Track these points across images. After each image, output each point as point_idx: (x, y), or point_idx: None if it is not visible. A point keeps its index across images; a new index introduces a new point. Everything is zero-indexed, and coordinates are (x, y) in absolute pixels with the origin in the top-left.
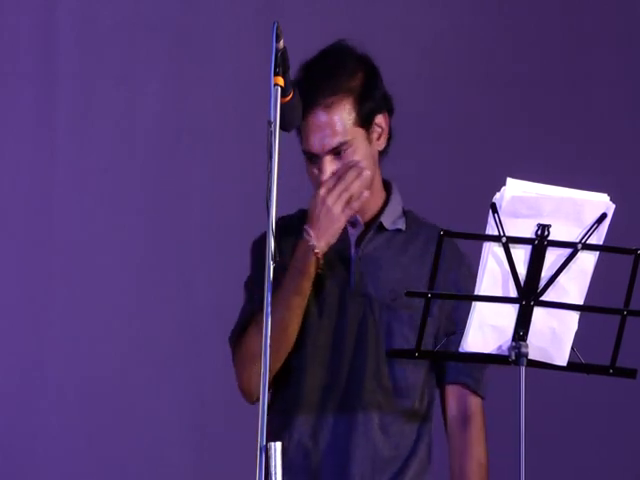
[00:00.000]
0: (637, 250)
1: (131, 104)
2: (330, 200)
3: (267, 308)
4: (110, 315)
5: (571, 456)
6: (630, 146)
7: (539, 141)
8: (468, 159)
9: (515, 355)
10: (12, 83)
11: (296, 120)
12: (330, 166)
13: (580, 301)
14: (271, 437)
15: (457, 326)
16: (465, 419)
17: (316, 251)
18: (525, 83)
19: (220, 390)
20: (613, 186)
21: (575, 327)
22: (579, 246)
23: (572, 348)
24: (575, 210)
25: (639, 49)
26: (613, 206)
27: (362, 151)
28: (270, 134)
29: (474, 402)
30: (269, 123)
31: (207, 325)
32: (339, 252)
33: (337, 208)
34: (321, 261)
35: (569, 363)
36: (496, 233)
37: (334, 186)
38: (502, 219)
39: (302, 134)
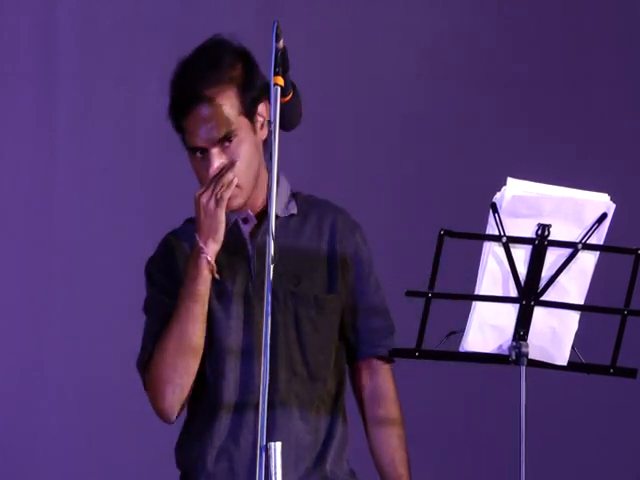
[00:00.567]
0: (637, 250)
1: (131, 104)
2: (204, 199)
3: (267, 307)
4: (110, 315)
5: (571, 456)
6: (630, 146)
7: (539, 141)
8: (468, 159)
9: (515, 355)
10: (12, 83)
11: (296, 120)
12: (218, 159)
13: (580, 301)
14: (194, 447)
15: (359, 300)
16: (380, 392)
17: (203, 255)
18: (525, 83)
19: None
20: (613, 186)
21: (575, 327)
22: (579, 246)
23: (572, 348)
24: (575, 210)
25: (639, 49)
26: (613, 206)
27: (248, 141)
28: (270, 134)
29: (387, 371)
30: (269, 123)
31: None
32: (236, 251)
33: (211, 204)
34: (213, 264)
35: (569, 363)
36: (496, 233)
37: (207, 186)
38: (502, 219)
39: (186, 130)
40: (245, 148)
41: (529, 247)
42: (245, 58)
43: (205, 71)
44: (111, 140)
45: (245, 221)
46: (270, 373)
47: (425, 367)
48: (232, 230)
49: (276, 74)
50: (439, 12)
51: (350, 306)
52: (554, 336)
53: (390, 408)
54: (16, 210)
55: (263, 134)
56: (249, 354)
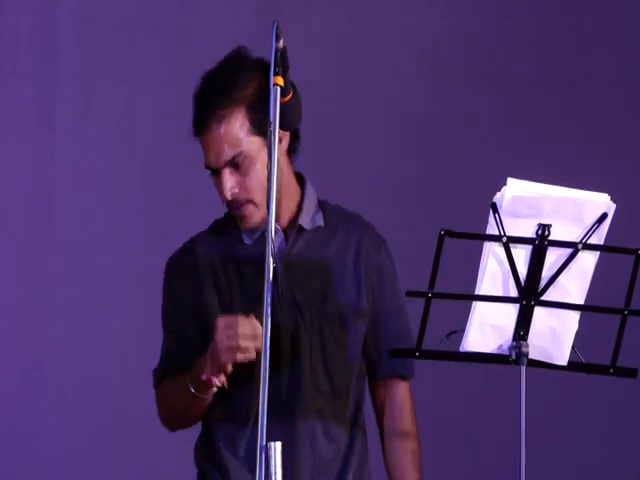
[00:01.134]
0: (637, 250)
1: (131, 104)
2: (223, 338)
3: (267, 309)
4: (110, 315)
5: (571, 456)
6: (630, 146)
7: (539, 141)
8: (468, 159)
9: (515, 355)
10: (12, 83)
11: (296, 120)
12: (229, 179)
13: (581, 301)
14: (218, 451)
15: (382, 319)
16: (397, 411)
17: (208, 387)
18: (525, 83)
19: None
20: (613, 186)
21: (576, 327)
22: (580, 246)
23: (573, 348)
24: (576, 210)
25: (639, 49)
26: (614, 206)
27: (261, 159)
28: (270, 134)
29: (405, 389)
30: (269, 123)
31: None
32: (261, 265)
33: (224, 357)
34: (216, 386)
35: (569, 363)
36: (497, 233)
37: (229, 335)
38: (503, 219)
39: (202, 145)
40: (258, 167)
41: (529, 247)
42: (263, 73)
43: (217, 93)
44: (111, 140)
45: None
46: (294, 389)
47: (425, 367)
48: (259, 241)
49: (276, 74)
50: (439, 12)
51: (373, 323)
52: (554, 336)
53: (406, 427)
54: (16, 210)
55: (282, 148)
56: (273, 371)
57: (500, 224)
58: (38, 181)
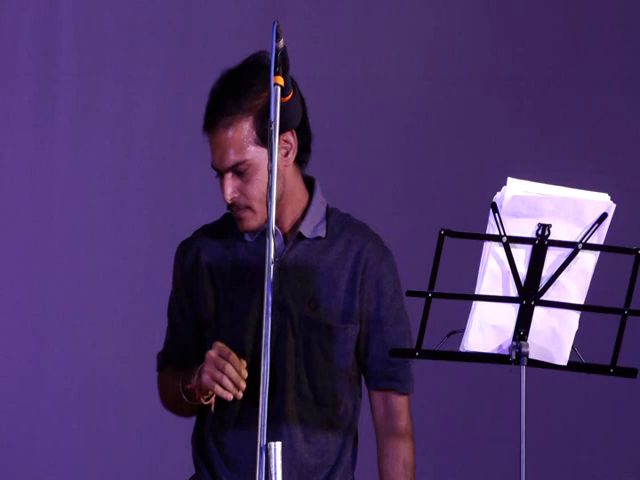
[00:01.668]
0: (638, 250)
1: (131, 104)
2: (211, 370)
3: (268, 307)
4: (110, 315)
5: (571, 456)
6: (630, 146)
7: (539, 141)
8: (468, 159)
9: (516, 355)
10: (12, 83)
11: (296, 120)
12: (231, 184)
13: (581, 301)
14: (201, 455)
15: (377, 331)
16: (391, 422)
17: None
18: (525, 83)
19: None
20: (613, 186)
21: (576, 327)
22: (580, 246)
23: (573, 348)
24: (576, 210)
25: (639, 49)
26: (614, 206)
27: (265, 169)
28: (270, 134)
29: (400, 403)
30: (269, 123)
31: None
32: (260, 266)
33: (205, 385)
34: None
35: (570, 363)
36: (497, 233)
37: (216, 369)
38: (503, 219)
39: (209, 145)
40: (260, 176)
41: (529, 247)
42: None
43: (228, 98)
44: (111, 140)
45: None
46: (276, 394)
47: (425, 367)
48: (260, 240)
49: (276, 74)
50: (439, 12)
51: (366, 335)
52: (554, 336)
53: (398, 442)
54: (16, 210)
55: (288, 160)
56: (257, 372)
57: (500, 224)
58: (38, 181)
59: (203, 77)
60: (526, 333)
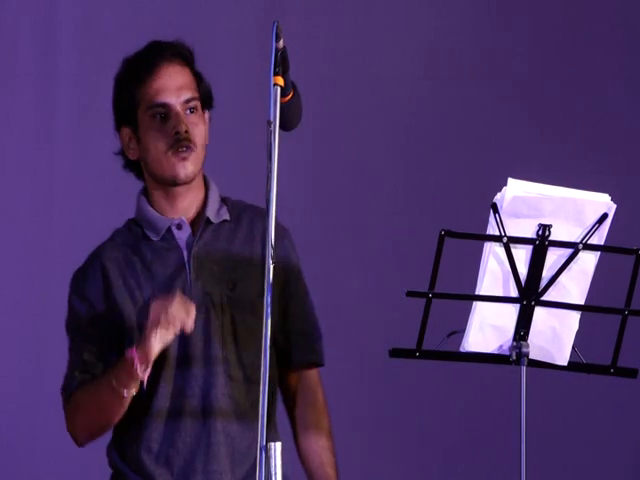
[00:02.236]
0: (638, 250)
1: None
2: (153, 332)
3: (267, 309)
4: None
5: (571, 456)
6: (630, 146)
7: (539, 141)
8: (468, 159)
9: (516, 355)
10: (12, 83)
11: (296, 120)
12: (184, 120)
13: (581, 301)
14: (128, 450)
15: (290, 304)
16: (310, 398)
17: (137, 372)
18: (525, 83)
19: None
20: (614, 186)
21: (576, 327)
22: (580, 246)
23: (573, 348)
24: (576, 210)
25: (639, 49)
26: (614, 206)
27: (205, 127)
28: (270, 134)
29: (316, 376)
30: (269, 123)
31: None
32: (172, 261)
33: (154, 342)
34: (140, 376)
35: (570, 363)
36: (497, 233)
37: (167, 299)
38: (503, 219)
39: (148, 90)
40: (202, 126)
41: (530, 247)
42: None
43: (171, 46)
44: (111, 140)
45: (179, 227)
46: (207, 378)
47: (425, 367)
48: (165, 237)
49: (276, 74)
50: (439, 12)
51: (281, 310)
52: (555, 336)
53: (319, 414)
54: (16, 210)
55: (207, 138)
56: (185, 361)
57: (500, 224)
58: (38, 181)
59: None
60: (526, 333)
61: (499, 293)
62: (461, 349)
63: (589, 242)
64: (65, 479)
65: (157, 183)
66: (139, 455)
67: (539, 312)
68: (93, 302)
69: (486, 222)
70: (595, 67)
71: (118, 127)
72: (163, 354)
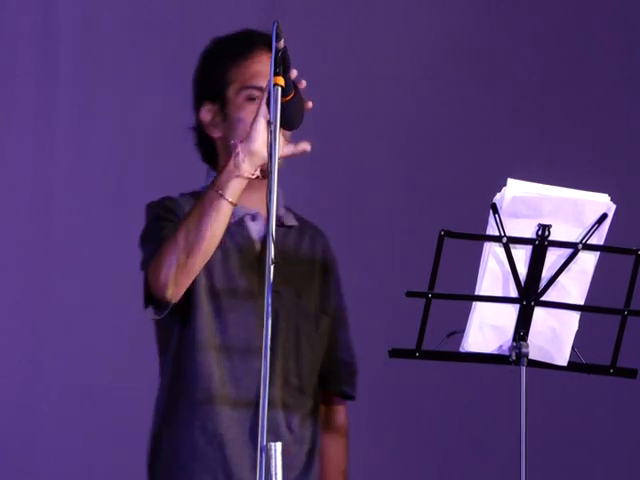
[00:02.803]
0: (637, 250)
1: (131, 104)
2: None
3: (268, 308)
4: (110, 316)
5: (571, 456)
6: (630, 146)
7: (539, 141)
8: (468, 159)
9: (516, 355)
10: (12, 83)
11: (297, 120)
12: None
13: (581, 301)
14: (179, 425)
15: (340, 324)
16: (332, 424)
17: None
18: (525, 83)
19: None
20: (613, 186)
21: (576, 327)
22: (580, 246)
23: (573, 348)
24: (576, 210)
25: (639, 49)
26: (614, 206)
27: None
28: (270, 134)
29: (343, 408)
30: (269, 123)
31: None
32: (245, 248)
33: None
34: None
35: (570, 363)
36: (497, 233)
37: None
38: (503, 219)
39: (245, 70)
40: None
41: (529, 247)
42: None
43: (265, 36)
44: (111, 140)
45: (253, 218)
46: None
47: (425, 367)
48: (239, 226)
49: (276, 74)
50: (439, 12)
51: (330, 334)
52: (554, 336)
53: (338, 442)
54: (16, 210)
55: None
56: (246, 351)
57: (500, 224)
58: (38, 181)
59: None
60: (526, 334)
61: (499, 293)
62: (461, 349)
63: (589, 242)
64: (65, 479)
65: None
66: (193, 437)
67: (539, 312)
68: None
69: (486, 222)
70: (595, 67)
71: (200, 103)
72: (225, 346)
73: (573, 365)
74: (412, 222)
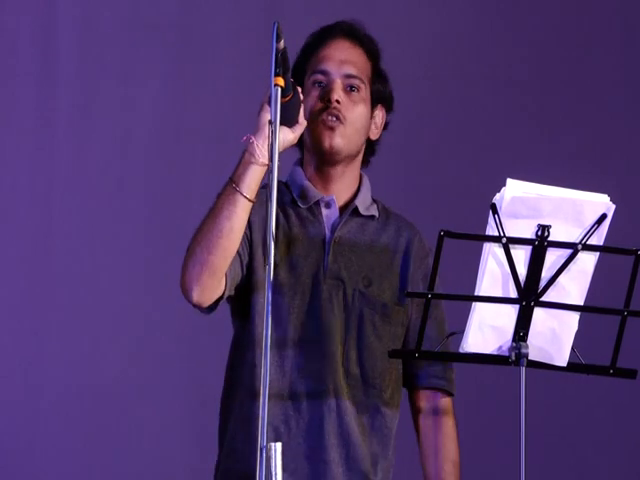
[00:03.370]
0: (637, 250)
1: (131, 104)
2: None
3: (268, 307)
4: (110, 316)
5: (571, 456)
6: (630, 146)
7: (539, 141)
8: (468, 159)
9: (515, 356)
10: (12, 83)
11: (296, 119)
12: (339, 91)
13: (580, 301)
14: (240, 418)
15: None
16: (438, 420)
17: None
18: (525, 83)
19: (220, 390)
20: (613, 186)
21: (575, 327)
22: (579, 247)
23: (572, 349)
24: (575, 211)
25: (639, 49)
26: (613, 206)
27: (364, 111)
28: (270, 134)
29: (447, 402)
30: (269, 123)
31: (208, 326)
32: (313, 234)
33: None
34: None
35: (569, 364)
36: (496, 234)
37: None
38: (502, 220)
39: (316, 56)
40: (361, 110)
41: (529, 248)
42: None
43: (354, 27)
44: (111, 140)
45: (327, 205)
46: (326, 366)
47: None
48: (312, 209)
49: (276, 74)
50: (439, 12)
51: (414, 327)
52: (554, 337)
53: (447, 443)
54: (16, 210)
55: (374, 134)
56: (307, 339)
57: (500, 225)
58: (38, 181)
59: (203, 77)
60: (526, 334)
61: (498, 294)
62: (460, 350)
63: (588, 242)
64: (65, 479)
65: (313, 156)
66: (253, 425)
67: (538, 313)
68: (257, 214)
69: (485, 222)
70: (595, 67)
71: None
72: (287, 333)
73: (573, 366)
74: (412, 222)
